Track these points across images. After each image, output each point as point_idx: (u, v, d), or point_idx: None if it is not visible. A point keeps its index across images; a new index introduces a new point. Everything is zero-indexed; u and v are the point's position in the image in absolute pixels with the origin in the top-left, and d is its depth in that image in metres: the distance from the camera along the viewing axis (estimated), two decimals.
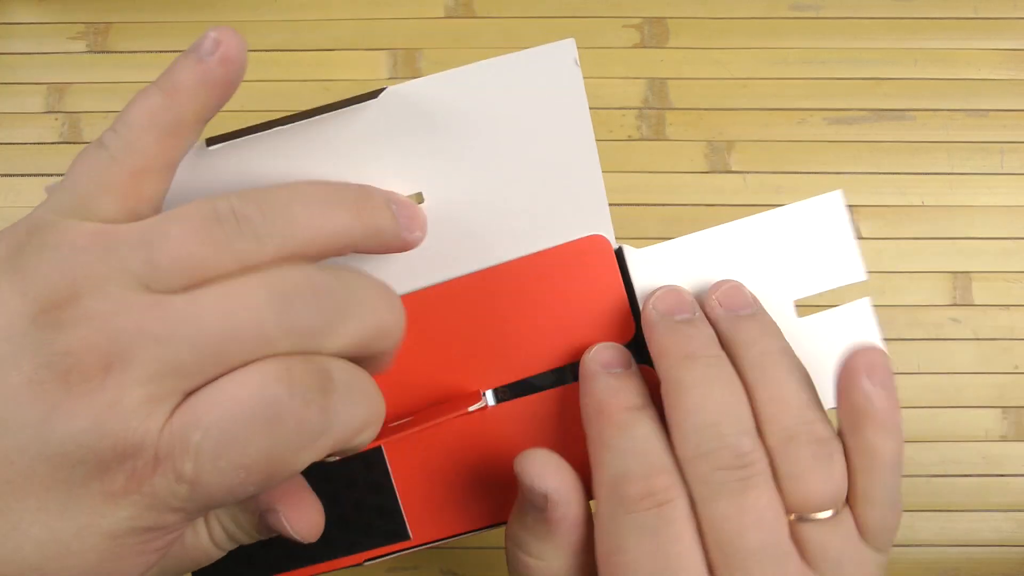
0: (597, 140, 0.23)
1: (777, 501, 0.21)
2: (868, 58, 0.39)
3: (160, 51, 0.40)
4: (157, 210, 0.20)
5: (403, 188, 0.23)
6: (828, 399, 0.24)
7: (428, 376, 0.24)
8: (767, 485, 0.21)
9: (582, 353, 0.24)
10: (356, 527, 0.24)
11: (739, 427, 0.21)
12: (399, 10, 0.40)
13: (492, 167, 0.23)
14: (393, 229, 0.21)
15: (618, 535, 0.21)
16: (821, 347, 0.24)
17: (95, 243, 0.17)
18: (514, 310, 0.24)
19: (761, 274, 0.25)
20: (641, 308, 0.24)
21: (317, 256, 0.19)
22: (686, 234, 0.25)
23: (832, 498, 0.21)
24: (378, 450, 0.24)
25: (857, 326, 0.25)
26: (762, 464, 0.21)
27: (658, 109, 0.39)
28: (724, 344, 0.23)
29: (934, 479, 0.36)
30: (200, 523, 0.21)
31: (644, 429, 0.22)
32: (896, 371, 0.36)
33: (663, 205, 0.38)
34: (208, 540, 0.21)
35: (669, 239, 0.25)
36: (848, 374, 0.23)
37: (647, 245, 0.25)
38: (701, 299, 0.24)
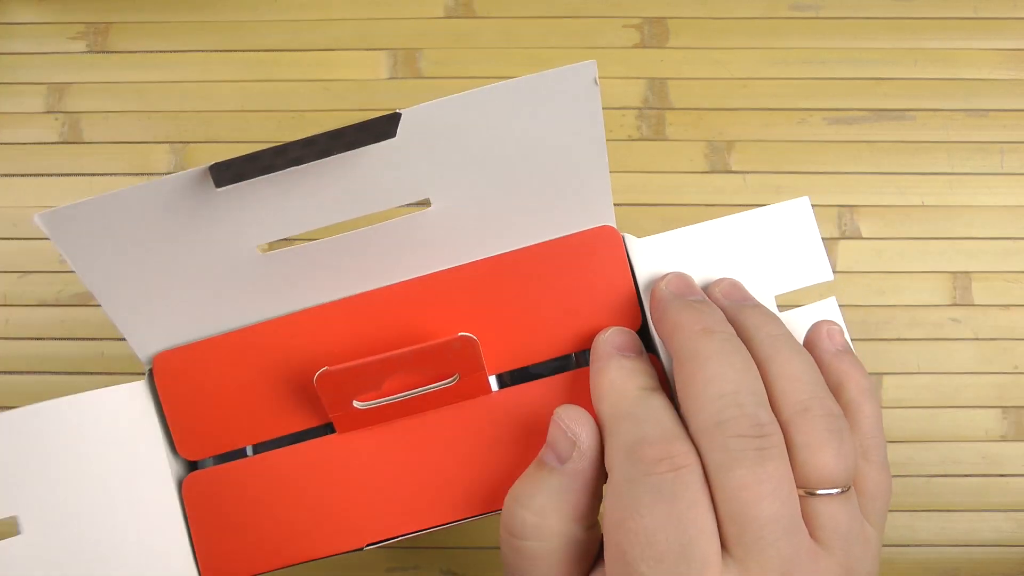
0: None
1: (791, 476, 0.21)
2: (868, 58, 0.39)
3: (160, 51, 0.40)
4: None
5: (413, 192, 0.22)
6: None
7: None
8: (783, 458, 0.21)
9: (589, 341, 0.24)
10: None
11: (756, 399, 0.22)
12: (399, 10, 0.40)
13: (505, 169, 0.23)
14: None
15: (633, 498, 0.21)
16: None
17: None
18: (522, 297, 0.25)
19: (744, 270, 0.25)
20: (651, 291, 0.25)
21: None
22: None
23: (843, 474, 0.22)
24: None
25: None
26: (778, 437, 0.21)
27: (658, 109, 0.39)
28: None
29: (934, 479, 0.36)
30: None
31: (660, 401, 0.23)
32: (896, 371, 0.37)
33: (663, 205, 0.38)
34: None
35: None
36: (810, 343, 0.25)
37: None
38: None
